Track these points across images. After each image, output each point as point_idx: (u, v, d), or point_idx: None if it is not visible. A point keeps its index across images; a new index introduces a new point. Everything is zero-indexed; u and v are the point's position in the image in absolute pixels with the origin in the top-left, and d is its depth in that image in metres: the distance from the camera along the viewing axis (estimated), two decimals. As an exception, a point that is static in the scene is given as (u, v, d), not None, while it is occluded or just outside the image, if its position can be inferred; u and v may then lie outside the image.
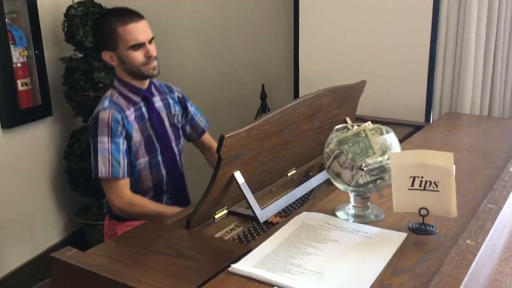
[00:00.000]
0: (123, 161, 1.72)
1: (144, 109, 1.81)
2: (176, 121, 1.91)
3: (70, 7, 2.70)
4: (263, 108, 2.63)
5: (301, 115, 1.47)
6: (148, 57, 1.75)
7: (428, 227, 1.05)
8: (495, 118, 2.09)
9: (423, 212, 1.04)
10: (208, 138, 2.04)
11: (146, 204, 1.72)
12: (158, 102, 1.86)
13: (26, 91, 2.64)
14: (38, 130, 2.78)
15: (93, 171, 1.72)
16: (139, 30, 1.73)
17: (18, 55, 2.57)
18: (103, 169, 1.68)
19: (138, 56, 1.74)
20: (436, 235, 1.03)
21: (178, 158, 1.91)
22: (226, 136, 1.17)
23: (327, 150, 1.10)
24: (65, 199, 2.99)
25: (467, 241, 0.90)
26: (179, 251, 1.08)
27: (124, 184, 1.72)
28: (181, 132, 1.94)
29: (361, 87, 1.81)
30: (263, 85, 2.62)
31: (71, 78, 2.71)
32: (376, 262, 0.93)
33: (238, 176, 1.27)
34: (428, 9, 2.10)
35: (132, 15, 1.75)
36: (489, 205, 1.05)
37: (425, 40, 2.14)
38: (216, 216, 1.30)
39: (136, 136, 1.77)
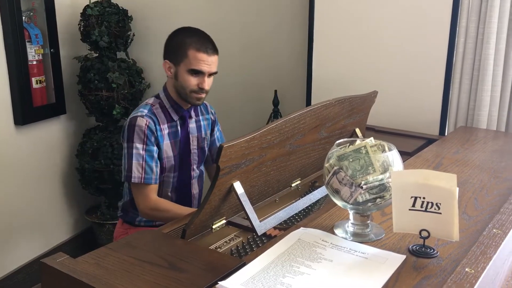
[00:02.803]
0: (156, 168, 1.75)
1: (179, 127, 1.83)
2: (205, 145, 1.92)
3: (87, 6, 2.71)
4: (275, 114, 2.61)
5: (307, 125, 1.44)
6: (201, 88, 1.76)
7: (428, 249, 1.01)
8: (511, 134, 2.02)
9: (424, 234, 1.00)
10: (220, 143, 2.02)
11: (170, 208, 1.73)
12: (192, 124, 1.87)
13: (40, 88, 2.66)
14: (51, 128, 2.80)
15: (125, 175, 1.74)
16: (206, 62, 1.74)
17: (33, 53, 2.59)
18: (136, 174, 1.72)
19: (192, 81, 1.75)
20: (437, 258, 0.99)
21: (193, 180, 1.91)
22: (224, 146, 1.15)
23: (326, 165, 1.07)
24: (76, 197, 3.01)
25: (466, 269, 0.86)
26: (170, 262, 1.06)
27: (153, 189, 1.76)
28: (206, 155, 1.96)
29: (372, 97, 1.77)
30: (275, 91, 2.60)
31: (85, 77, 2.73)
32: (370, 286, 0.89)
33: (238, 186, 1.24)
34: (446, 21, 2.05)
35: (208, 47, 1.75)
36: (494, 230, 1.00)
37: (442, 51, 2.08)
38: (214, 226, 1.28)
39: (167, 151, 1.79)
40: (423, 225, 0.99)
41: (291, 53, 2.62)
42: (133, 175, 1.71)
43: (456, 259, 0.97)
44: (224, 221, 1.30)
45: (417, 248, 1.02)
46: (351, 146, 1.07)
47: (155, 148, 1.75)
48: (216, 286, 0.90)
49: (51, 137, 2.81)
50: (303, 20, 2.46)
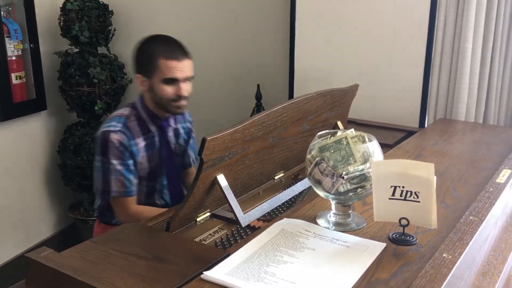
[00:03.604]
0: (134, 179, 1.73)
1: (157, 138, 1.78)
2: (180, 152, 1.89)
3: (67, 1, 2.69)
4: (258, 108, 2.62)
5: (289, 118, 1.45)
6: (179, 96, 1.70)
7: (408, 237, 1.04)
8: (490, 125, 2.07)
9: (403, 222, 1.02)
10: (191, 173, 1.97)
11: (150, 214, 1.68)
12: (170, 132, 1.84)
13: (20, 84, 2.63)
14: (32, 124, 2.77)
15: (101, 188, 1.71)
16: (179, 68, 1.68)
17: (13, 48, 2.56)
18: (115, 189, 1.69)
19: (169, 91, 1.69)
20: (416, 245, 1.02)
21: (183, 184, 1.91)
22: (208, 138, 1.15)
23: (308, 156, 1.09)
24: (58, 194, 2.99)
25: (444, 255, 0.89)
26: (155, 254, 1.07)
27: (133, 200, 1.74)
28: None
29: (353, 91, 1.80)
30: (258, 85, 2.61)
31: (66, 72, 2.70)
32: (351, 273, 0.92)
33: (221, 179, 1.25)
34: (425, 15, 2.08)
35: (177, 53, 1.69)
36: (471, 217, 1.03)
37: (421, 45, 2.12)
38: (198, 219, 1.29)
39: (142, 162, 1.75)
40: (402, 213, 1.02)
41: (273, 48, 2.64)
42: (112, 189, 1.68)
43: (434, 245, 1.00)
44: (208, 214, 1.31)
45: (397, 236, 1.05)
46: (332, 137, 1.09)
47: (131, 161, 1.71)
48: (201, 276, 0.91)
49: (32, 133, 2.78)
50: (285, 14, 2.48)
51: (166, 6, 2.82)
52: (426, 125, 2.19)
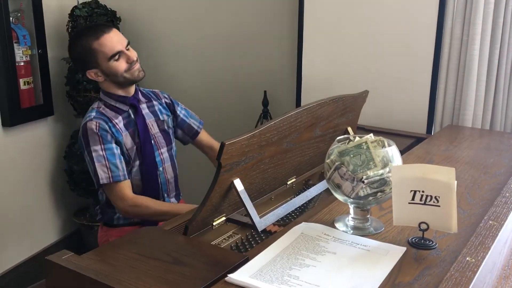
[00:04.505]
0: (121, 164, 1.72)
1: (132, 116, 1.81)
2: (166, 127, 1.90)
3: (75, 7, 2.70)
4: (265, 115, 2.63)
5: (303, 123, 1.46)
6: (130, 63, 1.76)
7: (427, 241, 1.04)
8: (497, 132, 2.08)
9: (423, 226, 1.03)
10: (205, 138, 2.01)
11: (149, 204, 1.71)
12: (145, 110, 1.85)
13: (28, 90, 2.64)
14: (39, 129, 2.77)
15: (94, 180, 1.72)
16: (114, 40, 1.74)
17: (21, 54, 2.57)
18: (103, 175, 1.69)
19: (120, 65, 1.74)
20: (436, 250, 1.02)
21: (165, 165, 1.88)
22: (226, 143, 1.16)
23: (327, 161, 1.10)
24: (64, 199, 2.99)
25: (467, 258, 0.89)
26: (175, 257, 1.07)
27: (126, 185, 1.72)
28: (172, 137, 1.93)
29: (363, 97, 1.81)
30: (265, 91, 2.62)
31: (73, 78, 2.71)
32: (374, 276, 0.92)
33: (238, 183, 1.26)
34: (432, 21, 2.10)
35: (101, 28, 1.75)
36: (490, 222, 1.04)
37: (429, 52, 2.13)
38: (215, 223, 1.30)
39: (127, 142, 1.77)
40: (422, 218, 1.03)
41: (280, 54, 2.65)
42: (100, 177, 1.68)
43: (454, 250, 1.01)
44: (224, 218, 1.32)
45: (417, 240, 1.06)
46: (351, 142, 1.10)
47: (114, 145, 1.72)
48: (226, 278, 0.92)
49: (39, 138, 2.78)
50: (293, 20, 2.49)
51: (174, 13, 2.83)
52: (433, 132, 2.20)
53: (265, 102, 2.62)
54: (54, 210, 2.95)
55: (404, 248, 1.02)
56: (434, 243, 1.04)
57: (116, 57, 1.73)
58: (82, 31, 1.82)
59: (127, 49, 1.77)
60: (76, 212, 3.01)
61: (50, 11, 2.73)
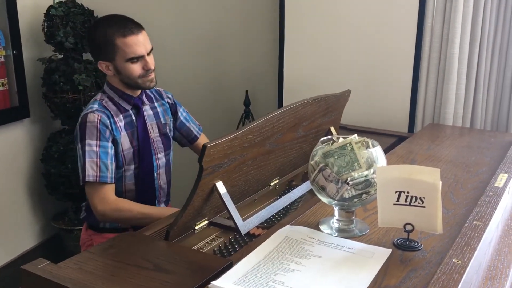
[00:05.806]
0: (111, 165, 1.66)
1: (133, 117, 1.76)
2: (168, 130, 1.85)
3: (51, 7, 2.63)
4: (247, 115, 2.61)
5: (286, 124, 1.44)
6: (147, 70, 1.70)
7: (413, 243, 1.03)
8: (478, 130, 2.10)
9: (408, 227, 1.02)
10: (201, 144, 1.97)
11: (132, 207, 1.65)
12: (148, 111, 1.80)
13: (2, 91, 2.57)
14: (15, 132, 2.70)
15: (81, 176, 1.65)
16: (139, 43, 1.67)
17: (-5, 55, 2.50)
18: (90, 172, 1.62)
19: (136, 68, 1.69)
20: (421, 251, 1.01)
21: (160, 170, 1.84)
22: (208, 146, 1.14)
23: (311, 162, 1.08)
24: (42, 203, 2.92)
25: (454, 260, 0.88)
26: (156, 264, 1.04)
27: (110, 189, 1.66)
28: (171, 142, 1.89)
29: (345, 96, 1.80)
30: (247, 91, 2.60)
31: (50, 79, 2.65)
32: (361, 280, 0.91)
33: (220, 186, 1.24)
34: (413, 21, 2.10)
35: (131, 27, 1.68)
36: (475, 222, 1.04)
37: (409, 51, 2.14)
38: (197, 227, 1.27)
39: (124, 143, 1.72)
40: (407, 219, 1.02)
41: (262, 54, 2.63)
42: (87, 173, 1.61)
43: (440, 251, 1.00)
44: (206, 222, 1.29)
45: (402, 241, 1.04)
46: (335, 143, 1.08)
47: (109, 144, 1.66)
48: (209, 286, 0.89)
49: (15, 141, 2.71)
50: (274, 20, 2.48)
51: (152, 12, 2.79)
52: (414, 130, 2.21)
53: (247, 102, 2.60)
54: (32, 214, 2.88)
55: (390, 250, 1.01)
56: (419, 245, 1.03)
57: (135, 60, 1.68)
58: (112, 20, 1.71)
59: (148, 55, 1.71)
60: (54, 216, 2.94)
61: (25, 10, 2.66)
